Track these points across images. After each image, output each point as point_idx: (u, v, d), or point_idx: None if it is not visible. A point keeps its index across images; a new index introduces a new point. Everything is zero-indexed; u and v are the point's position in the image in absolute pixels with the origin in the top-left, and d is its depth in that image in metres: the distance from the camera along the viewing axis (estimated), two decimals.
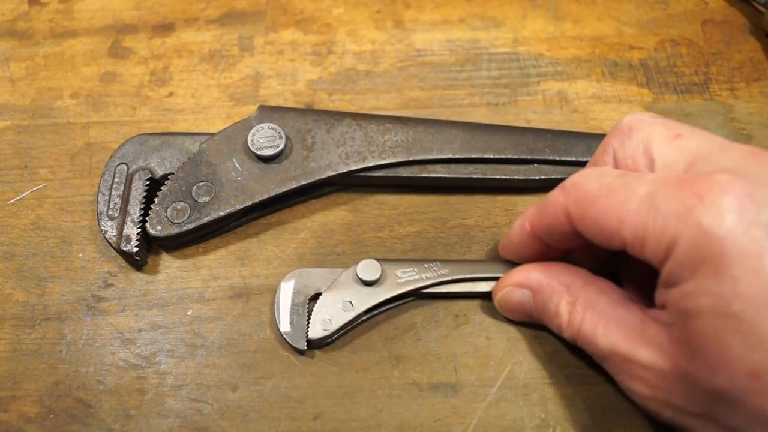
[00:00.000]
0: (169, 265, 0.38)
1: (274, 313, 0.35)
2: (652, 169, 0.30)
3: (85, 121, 0.43)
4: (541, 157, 0.39)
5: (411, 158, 0.38)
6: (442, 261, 0.36)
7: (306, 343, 0.34)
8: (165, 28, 0.47)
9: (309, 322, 0.35)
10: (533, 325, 0.36)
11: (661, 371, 0.27)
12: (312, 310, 0.35)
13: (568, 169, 0.39)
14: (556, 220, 0.31)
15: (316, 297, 0.36)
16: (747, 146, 0.28)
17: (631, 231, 0.27)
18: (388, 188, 0.40)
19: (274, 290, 0.37)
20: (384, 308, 0.36)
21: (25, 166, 0.41)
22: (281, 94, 0.44)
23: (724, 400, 0.25)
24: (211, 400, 0.34)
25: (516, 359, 0.35)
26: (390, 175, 0.39)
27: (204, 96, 0.44)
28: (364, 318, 0.36)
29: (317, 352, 0.35)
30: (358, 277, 0.35)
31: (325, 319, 0.34)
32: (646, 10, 0.48)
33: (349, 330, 0.36)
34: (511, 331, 0.36)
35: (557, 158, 0.39)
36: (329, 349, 0.35)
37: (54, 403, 0.34)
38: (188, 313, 0.36)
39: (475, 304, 0.36)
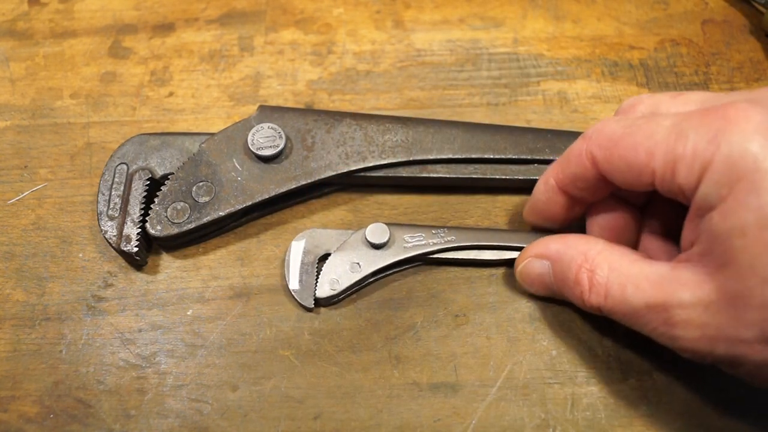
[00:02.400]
0: (169, 265, 0.38)
1: (283, 274, 0.37)
2: None
3: (85, 121, 0.43)
4: (541, 157, 0.39)
5: (411, 158, 0.38)
6: (449, 227, 0.37)
7: (314, 301, 0.35)
8: (165, 28, 0.47)
9: (317, 281, 0.36)
10: (533, 324, 0.36)
11: (708, 305, 0.27)
12: (321, 270, 0.36)
13: None
14: (580, 168, 0.31)
15: (325, 257, 0.36)
16: (747, 90, 0.29)
17: (662, 160, 0.27)
18: (388, 188, 0.40)
19: (274, 290, 0.37)
20: (390, 271, 0.37)
21: (25, 166, 0.41)
22: (281, 94, 0.44)
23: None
24: (211, 400, 0.34)
25: (516, 359, 0.35)
26: (390, 175, 0.39)
27: (204, 96, 0.44)
28: (371, 280, 0.37)
29: (317, 352, 0.35)
30: (366, 239, 0.36)
31: (333, 279, 0.35)
32: (646, 10, 0.48)
33: (356, 291, 0.37)
34: (511, 331, 0.36)
35: (557, 158, 0.39)
36: (329, 349, 0.35)
37: (54, 403, 0.34)
38: (188, 313, 0.36)
39: (475, 304, 0.36)
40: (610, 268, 0.30)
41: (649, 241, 0.34)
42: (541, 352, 0.35)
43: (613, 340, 0.35)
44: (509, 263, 0.37)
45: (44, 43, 0.46)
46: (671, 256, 0.31)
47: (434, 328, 0.36)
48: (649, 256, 0.33)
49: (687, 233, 0.29)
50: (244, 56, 0.46)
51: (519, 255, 0.35)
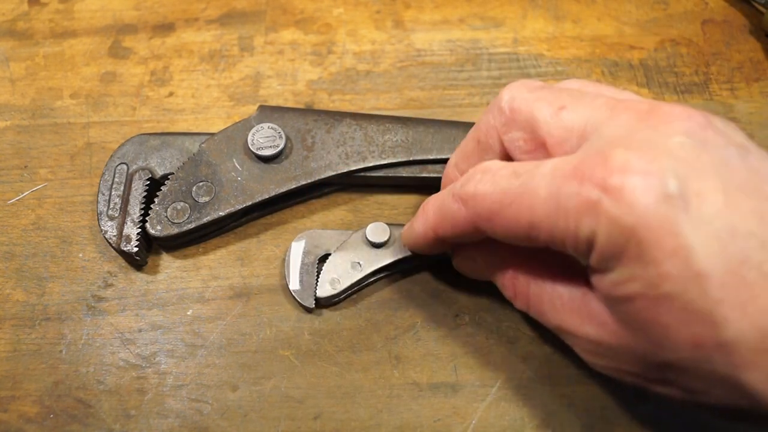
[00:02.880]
0: (169, 265, 0.38)
1: (284, 273, 0.37)
2: (544, 150, 0.29)
3: (85, 121, 0.43)
4: None
5: (411, 158, 0.38)
6: None
7: (314, 301, 0.35)
8: (165, 28, 0.47)
9: (318, 281, 0.36)
10: (533, 324, 0.36)
11: (610, 346, 0.27)
12: (321, 270, 0.36)
13: None
14: (465, 232, 0.30)
15: (325, 258, 0.37)
16: (637, 105, 0.27)
17: (547, 234, 0.26)
18: (388, 188, 0.40)
19: (274, 290, 0.37)
20: (391, 271, 0.37)
21: (25, 166, 0.41)
22: (281, 94, 0.44)
23: (675, 369, 0.25)
24: (211, 400, 0.34)
25: (516, 359, 0.35)
26: (390, 175, 0.39)
27: (204, 96, 0.44)
28: (372, 279, 0.37)
29: (317, 352, 0.35)
30: (366, 239, 0.36)
31: (334, 279, 0.35)
32: (646, 10, 0.48)
33: (357, 290, 0.37)
34: (511, 331, 0.36)
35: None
36: (329, 349, 0.35)
37: (54, 403, 0.34)
38: (188, 313, 0.36)
39: (475, 304, 0.36)
40: (530, 282, 0.30)
41: None
42: (541, 352, 0.35)
43: None
44: None
45: (44, 43, 0.46)
46: None
47: (434, 328, 0.36)
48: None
49: (591, 279, 0.27)
50: (244, 56, 0.46)
51: (455, 253, 0.34)
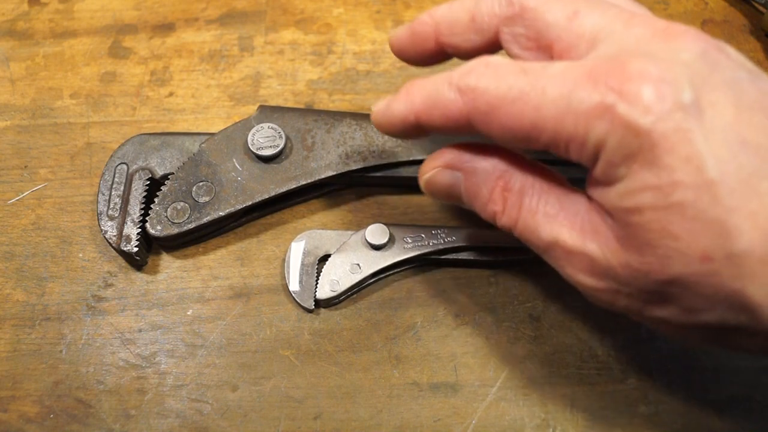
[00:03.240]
0: (169, 265, 0.38)
1: (283, 274, 0.37)
2: (548, 52, 0.28)
3: (85, 121, 0.43)
4: (541, 157, 0.39)
5: (411, 158, 0.38)
6: (449, 228, 0.37)
7: (314, 303, 0.36)
8: (165, 28, 0.47)
9: (317, 283, 0.36)
10: (533, 325, 0.36)
11: (611, 265, 0.26)
12: (321, 271, 0.36)
13: (568, 168, 0.39)
14: (452, 123, 0.28)
15: (325, 258, 0.37)
16: (653, 20, 0.26)
17: (551, 137, 0.25)
18: (388, 188, 0.40)
19: (274, 290, 0.37)
20: (390, 272, 0.37)
21: (25, 166, 0.41)
22: (281, 94, 0.44)
23: (679, 285, 0.24)
24: (211, 400, 0.34)
25: (516, 359, 0.35)
26: (390, 175, 0.39)
27: (204, 96, 0.44)
28: (371, 281, 0.37)
29: (317, 352, 0.35)
30: (366, 240, 0.36)
31: (333, 280, 0.36)
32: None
33: (356, 291, 0.37)
34: (511, 331, 0.36)
35: (557, 158, 0.38)
36: (329, 349, 0.35)
37: (54, 403, 0.34)
38: (188, 313, 0.36)
39: (475, 304, 0.36)
40: (526, 191, 0.28)
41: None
42: (541, 352, 0.35)
43: (613, 340, 0.35)
44: (509, 264, 0.37)
45: (44, 43, 0.46)
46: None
47: (434, 328, 0.36)
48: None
49: (592, 192, 0.27)
50: (244, 56, 0.46)
51: (424, 162, 0.31)
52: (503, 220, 0.29)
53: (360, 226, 0.38)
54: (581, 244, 0.26)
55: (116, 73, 0.45)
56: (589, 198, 0.27)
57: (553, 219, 0.27)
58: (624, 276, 0.26)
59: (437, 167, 0.31)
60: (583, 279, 0.27)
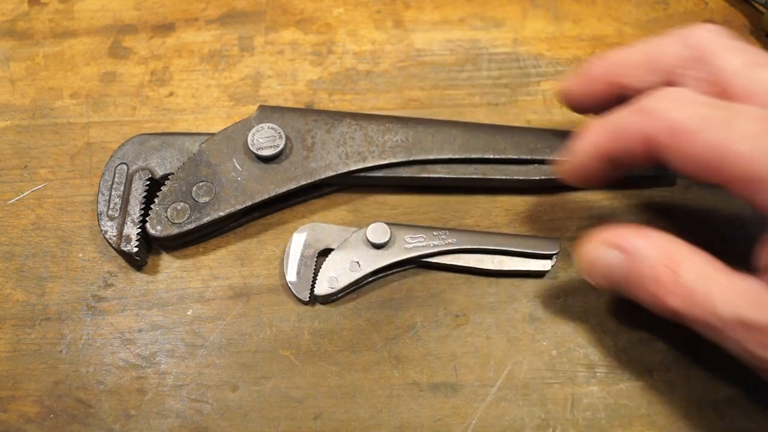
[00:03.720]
0: (169, 265, 0.38)
1: (283, 274, 0.37)
2: (724, 98, 0.28)
3: (85, 121, 0.43)
4: (541, 157, 0.39)
5: (411, 158, 0.38)
6: (450, 229, 0.37)
7: (310, 296, 0.36)
8: (165, 28, 0.47)
9: (315, 277, 0.36)
10: (533, 325, 0.36)
11: None
12: (319, 265, 0.36)
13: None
14: (632, 146, 0.28)
15: (325, 252, 0.37)
16: None
17: (739, 173, 0.25)
18: (388, 188, 0.40)
19: (274, 290, 0.37)
20: (390, 272, 0.37)
21: (25, 166, 0.41)
22: (281, 94, 0.44)
23: None
24: (211, 400, 0.34)
25: (516, 359, 0.35)
26: (390, 175, 0.39)
27: (204, 96, 0.44)
28: (370, 279, 0.37)
29: (317, 352, 0.35)
30: (367, 239, 0.36)
31: (332, 277, 0.36)
32: (646, 10, 0.48)
33: (355, 290, 0.37)
34: (511, 331, 0.36)
35: (557, 158, 0.39)
36: (329, 349, 0.35)
37: (54, 403, 0.34)
38: (188, 313, 0.36)
39: (475, 304, 0.36)
40: (695, 270, 0.27)
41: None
42: (541, 352, 0.35)
43: (614, 340, 0.35)
44: (509, 274, 0.37)
45: (44, 43, 0.46)
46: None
47: (434, 328, 0.36)
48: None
49: (764, 253, 0.27)
50: (244, 56, 0.46)
51: (586, 241, 0.31)
52: (669, 301, 0.28)
53: (360, 226, 0.38)
54: (764, 318, 0.26)
55: (116, 73, 0.45)
56: (759, 277, 0.27)
57: (730, 297, 0.26)
58: None
59: (599, 245, 0.30)
60: (760, 351, 0.26)
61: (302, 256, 0.37)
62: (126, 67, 0.45)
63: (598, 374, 0.34)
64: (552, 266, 0.36)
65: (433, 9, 0.48)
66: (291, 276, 0.36)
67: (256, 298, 0.37)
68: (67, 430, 0.33)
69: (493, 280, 0.37)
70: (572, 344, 0.35)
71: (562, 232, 0.38)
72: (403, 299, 0.37)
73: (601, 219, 0.39)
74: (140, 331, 0.36)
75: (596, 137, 0.30)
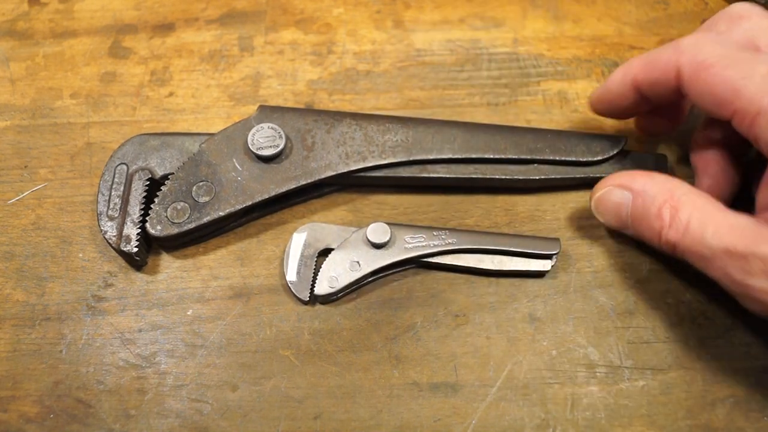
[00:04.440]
0: (169, 265, 0.38)
1: (283, 274, 0.37)
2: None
3: (85, 121, 0.43)
4: (541, 157, 0.39)
5: (411, 158, 0.38)
6: (450, 230, 0.37)
7: (309, 295, 0.36)
8: (165, 28, 0.47)
9: (315, 276, 0.36)
10: (533, 325, 0.36)
11: None
12: (319, 265, 0.36)
13: (568, 169, 0.39)
14: (664, 76, 0.32)
15: (325, 252, 0.37)
16: None
17: (745, 104, 0.28)
18: (388, 188, 0.40)
19: (274, 290, 0.37)
20: (390, 272, 0.37)
21: (25, 166, 0.41)
22: (281, 94, 0.44)
23: None
24: (211, 400, 0.34)
25: (516, 359, 0.35)
26: (390, 175, 0.39)
27: (204, 96, 0.44)
28: (370, 279, 0.37)
29: (317, 352, 0.35)
30: (367, 238, 0.36)
31: (332, 277, 0.36)
32: (646, 10, 0.48)
33: (355, 289, 0.37)
34: (511, 331, 0.36)
35: (557, 158, 0.39)
36: (329, 349, 0.35)
37: (54, 403, 0.34)
38: (188, 313, 0.36)
39: (475, 304, 0.36)
40: (694, 207, 0.31)
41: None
42: (541, 352, 0.35)
43: (614, 340, 0.35)
44: (509, 274, 0.37)
45: (44, 43, 0.46)
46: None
47: (434, 328, 0.36)
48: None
49: (764, 195, 0.30)
50: (244, 56, 0.46)
51: (599, 183, 0.35)
52: (669, 234, 0.31)
53: (360, 226, 0.38)
54: (755, 248, 0.28)
55: (116, 73, 0.45)
56: (754, 216, 0.30)
57: (722, 231, 0.30)
58: None
59: (609, 185, 0.35)
60: (756, 282, 0.29)
61: (302, 255, 0.37)
62: (126, 67, 0.45)
63: (598, 374, 0.34)
64: (552, 266, 0.36)
65: (433, 9, 0.48)
66: (291, 276, 0.36)
67: (256, 298, 0.37)
68: (67, 430, 0.33)
69: (493, 280, 0.37)
70: (572, 344, 0.35)
71: (562, 232, 0.38)
72: (403, 299, 0.37)
73: None
74: (140, 331, 0.36)
75: (631, 66, 0.34)
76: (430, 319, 0.36)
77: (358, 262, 0.36)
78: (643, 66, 0.34)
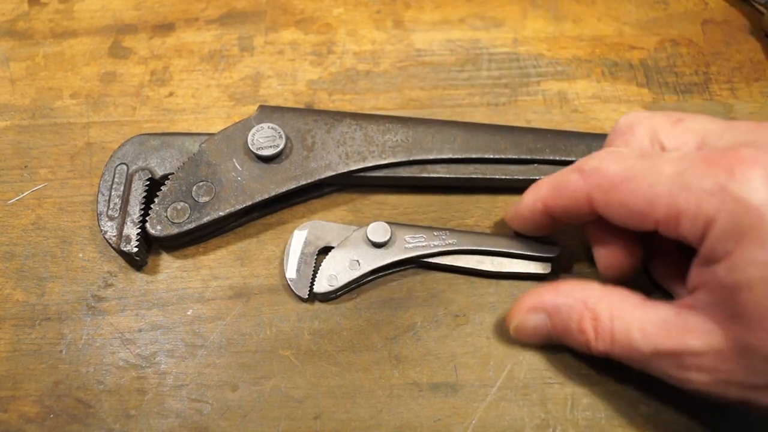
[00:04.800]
0: (169, 265, 0.38)
1: (283, 273, 0.37)
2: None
3: (85, 121, 0.43)
4: (541, 157, 0.39)
5: (411, 158, 0.38)
6: (451, 230, 0.37)
7: (308, 293, 0.36)
8: (165, 28, 0.47)
9: (315, 274, 0.36)
10: None
11: (719, 352, 0.27)
12: (319, 263, 0.36)
13: None
14: (574, 204, 0.31)
15: (325, 250, 0.37)
16: (748, 122, 0.29)
17: (663, 212, 0.27)
18: (388, 188, 0.40)
19: (274, 290, 0.37)
20: (389, 271, 0.37)
21: (25, 166, 0.41)
22: (281, 94, 0.44)
23: None
24: (211, 400, 0.34)
25: (516, 359, 0.35)
26: (390, 175, 0.39)
27: (204, 96, 0.44)
28: (369, 278, 0.37)
29: (317, 352, 0.35)
30: (367, 237, 0.36)
31: (332, 275, 0.36)
32: (646, 10, 0.48)
33: (354, 288, 0.37)
34: None
35: (557, 158, 0.39)
36: (329, 349, 0.35)
37: (54, 403, 0.34)
38: (188, 313, 0.36)
39: (475, 304, 0.36)
40: (612, 315, 0.30)
41: (655, 266, 0.34)
42: (541, 352, 0.35)
43: None
44: (509, 276, 0.37)
45: (44, 43, 0.46)
46: (677, 281, 0.32)
47: (434, 328, 0.36)
48: (656, 278, 0.34)
49: (693, 277, 0.28)
50: (244, 56, 0.46)
51: (510, 311, 0.34)
52: (598, 346, 0.30)
53: (360, 225, 0.38)
54: (682, 343, 0.28)
55: (116, 73, 0.45)
56: (673, 304, 0.29)
57: (647, 332, 0.29)
58: (733, 362, 0.27)
59: (521, 312, 0.33)
60: (693, 376, 0.28)
61: (302, 253, 0.37)
62: (126, 67, 0.45)
63: (598, 374, 0.34)
64: (551, 270, 0.36)
65: (433, 9, 0.48)
66: (291, 273, 0.36)
67: (256, 298, 0.37)
68: (67, 430, 0.33)
69: (493, 280, 0.37)
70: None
71: (561, 232, 0.38)
72: (403, 299, 0.37)
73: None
74: (140, 331, 0.36)
75: (539, 192, 0.33)
76: (430, 319, 0.36)
77: (357, 261, 0.36)
78: (552, 193, 0.32)
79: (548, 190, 0.32)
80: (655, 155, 0.29)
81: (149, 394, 0.34)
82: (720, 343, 0.27)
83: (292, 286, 0.36)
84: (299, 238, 0.37)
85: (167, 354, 0.35)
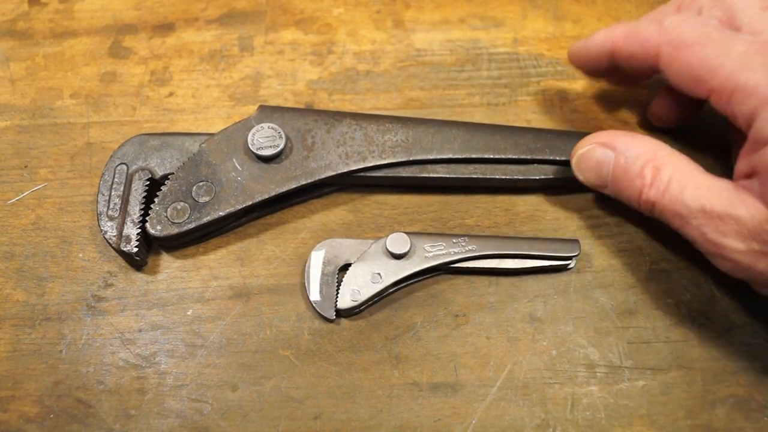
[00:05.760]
0: (169, 265, 0.38)
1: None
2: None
3: (85, 121, 0.43)
4: (541, 157, 0.39)
5: (411, 158, 0.38)
6: (470, 236, 0.37)
7: (335, 313, 0.35)
8: (165, 28, 0.47)
9: (338, 292, 0.36)
10: (533, 325, 0.36)
11: (759, 224, 0.29)
12: (341, 281, 0.36)
13: (568, 169, 0.39)
14: (642, 52, 0.33)
15: (345, 267, 0.36)
16: None
17: (720, 83, 0.29)
18: (388, 188, 0.40)
19: (274, 290, 0.37)
20: (411, 281, 0.37)
21: (25, 166, 0.41)
22: (281, 94, 0.44)
23: None
24: (211, 400, 0.34)
25: (516, 359, 0.35)
26: (390, 175, 0.39)
27: (204, 96, 0.44)
28: (392, 290, 0.36)
29: (317, 352, 0.35)
30: (387, 249, 0.36)
31: (354, 290, 0.35)
32: (646, 10, 0.47)
33: (377, 301, 0.36)
34: (511, 331, 0.36)
35: (557, 158, 0.39)
36: (329, 349, 0.35)
37: (54, 403, 0.34)
38: (188, 313, 0.36)
39: (475, 304, 0.36)
40: (675, 168, 0.32)
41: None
42: (541, 352, 0.35)
43: (614, 340, 0.35)
44: (531, 271, 0.37)
45: (44, 43, 0.46)
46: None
47: (434, 328, 0.36)
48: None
49: (741, 164, 0.31)
50: (244, 56, 0.46)
51: (581, 141, 0.36)
52: (649, 194, 0.32)
53: (360, 225, 0.38)
54: (730, 209, 0.30)
55: (116, 73, 0.45)
56: (732, 181, 0.31)
57: (700, 191, 0.31)
58: None
59: (592, 143, 0.35)
60: (730, 242, 0.30)
61: (323, 274, 0.36)
62: (126, 67, 0.45)
63: (598, 374, 0.34)
64: (573, 265, 0.37)
65: (433, 9, 0.48)
66: (314, 296, 0.36)
67: (256, 298, 0.37)
68: (67, 430, 0.33)
69: (493, 280, 0.37)
70: (572, 344, 0.35)
71: (561, 232, 0.38)
72: (403, 299, 0.37)
73: (599, 219, 0.39)
74: (140, 331, 0.36)
75: (612, 33, 0.35)
76: (430, 319, 0.36)
77: (379, 274, 0.36)
78: (624, 36, 0.34)
79: (622, 33, 0.34)
80: (730, 32, 0.31)
81: (149, 394, 0.34)
82: (761, 217, 0.29)
83: (317, 309, 0.35)
84: (317, 259, 0.36)
85: (167, 354, 0.35)
